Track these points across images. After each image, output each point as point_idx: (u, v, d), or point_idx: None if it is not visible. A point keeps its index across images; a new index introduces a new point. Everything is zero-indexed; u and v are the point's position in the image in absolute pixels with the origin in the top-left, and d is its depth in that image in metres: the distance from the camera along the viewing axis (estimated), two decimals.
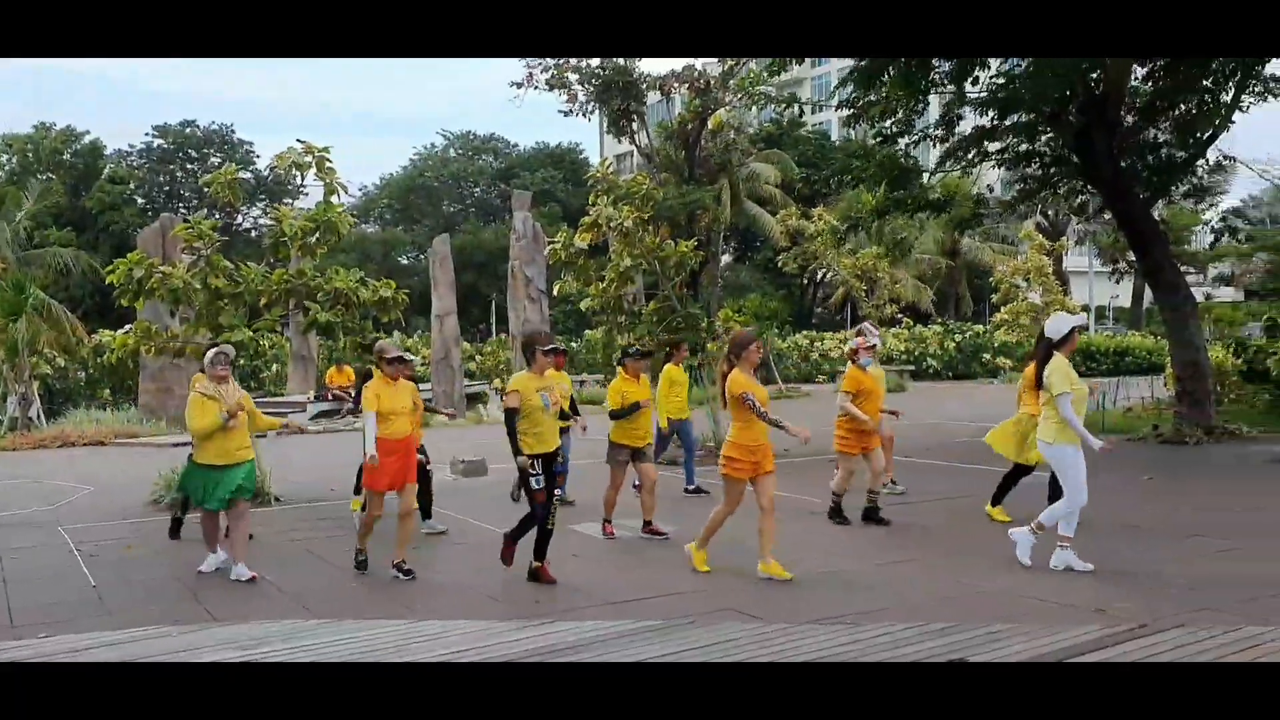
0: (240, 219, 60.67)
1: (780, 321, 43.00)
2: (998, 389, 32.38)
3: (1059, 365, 7.74)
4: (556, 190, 62.94)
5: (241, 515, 8.21)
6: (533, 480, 7.58)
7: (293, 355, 26.73)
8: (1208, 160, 19.14)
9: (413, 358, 10.05)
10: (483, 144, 73.07)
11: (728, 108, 36.95)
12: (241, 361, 12.60)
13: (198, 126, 65.53)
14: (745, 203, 41.60)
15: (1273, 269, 42.24)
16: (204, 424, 7.97)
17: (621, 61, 37.62)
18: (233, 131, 66.12)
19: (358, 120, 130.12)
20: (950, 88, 16.81)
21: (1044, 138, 18.45)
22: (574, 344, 38.03)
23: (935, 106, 19.26)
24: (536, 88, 37.39)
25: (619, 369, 10.32)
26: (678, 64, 24.47)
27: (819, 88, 72.22)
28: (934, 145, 18.74)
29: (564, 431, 9.41)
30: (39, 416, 22.20)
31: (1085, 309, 46.15)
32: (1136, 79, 17.50)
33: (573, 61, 37.20)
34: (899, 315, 39.47)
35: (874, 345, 10.21)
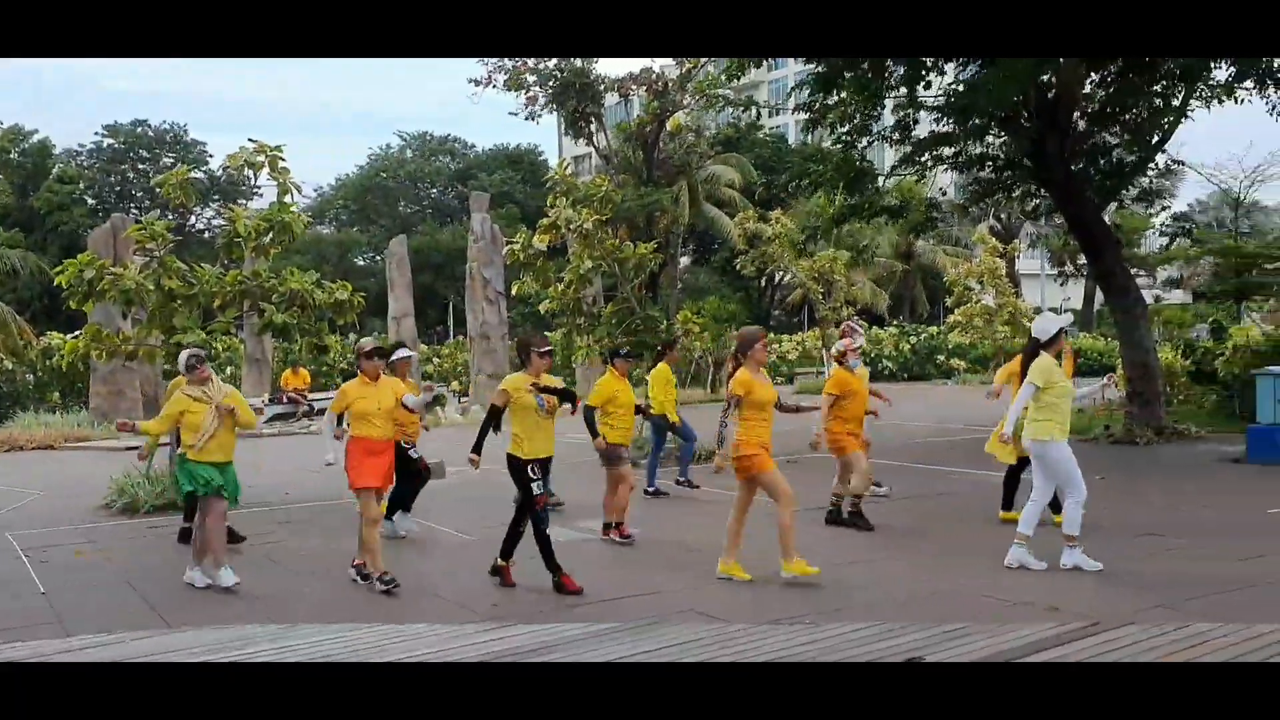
0: (193, 220, 59.97)
1: (739, 324, 43.14)
2: (952, 390, 32.77)
3: (1042, 363, 7.84)
4: (515, 192, 62.75)
5: (220, 510, 7.96)
6: (534, 485, 7.40)
7: (247, 358, 26.42)
8: (1156, 164, 19.50)
9: (410, 353, 9.84)
10: (439, 145, 72.69)
11: (686, 110, 37.13)
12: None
13: (149, 126, 64.64)
14: (704, 205, 41.73)
15: (1219, 272, 43.03)
16: (158, 426, 7.90)
17: (579, 63, 37.72)
18: (185, 131, 65.33)
19: (358, 120, 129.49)
20: (903, 92, 16.96)
21: (997, 141, 18.69)
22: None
23: (891, 110, 19.42)
24: (494, 87, 37.52)
25: (609, 368, 10.20)
26: (635, 66, 24.31)
27: (776, 91, 72.57)
28: (889, 147, 18.91)
29: None
30: None
31: (1037, 311, 46.74)
32: (1090, 83, 17.79)
33: (530, 62, 37.25)
34: (855, 317, 39.78)
35: (859, 346, 10.14)
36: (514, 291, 17.41)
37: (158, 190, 12.69)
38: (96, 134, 64.92)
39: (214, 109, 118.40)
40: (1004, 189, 19.96)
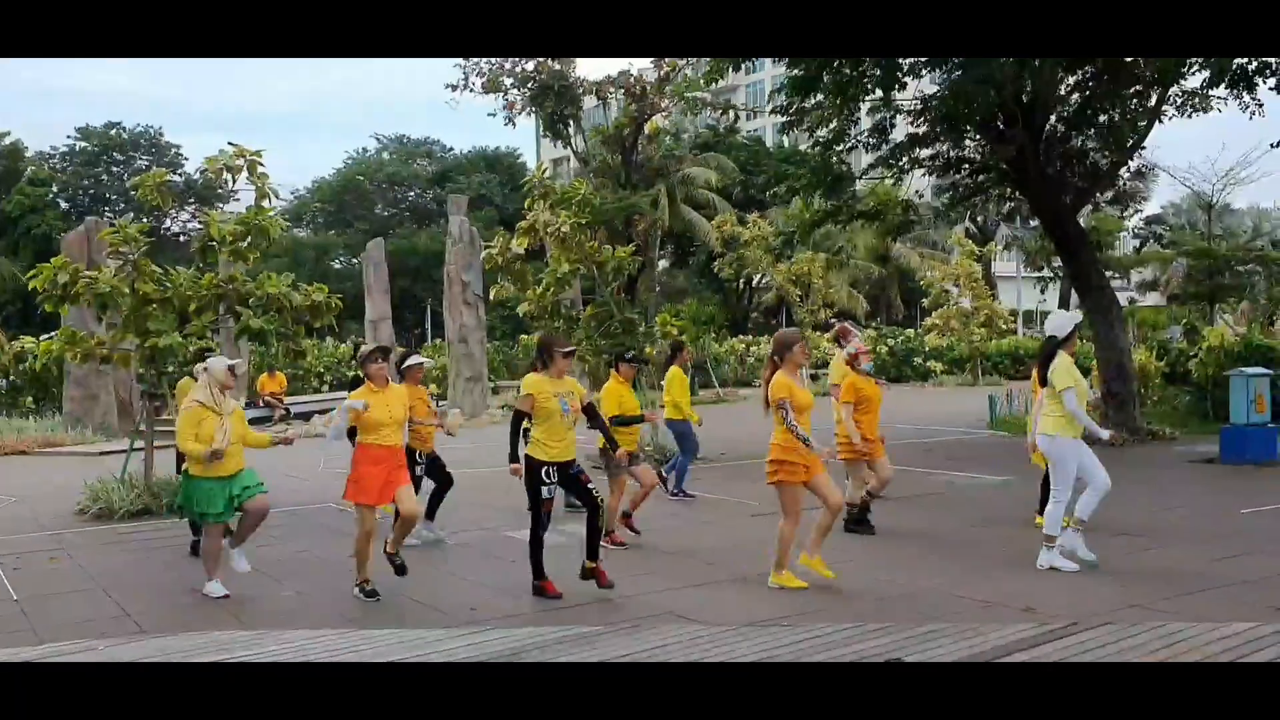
0: (169, 223, 59.56)
1: (717, 326, 43.21)
2: (930, 392, 32.90)
3: (1064, 362, 7.89)
4: (493, 195, 62.62)
5: (260, 507, 7.71)
6: (544, 490, 7.19)
7: None
8: (1130, 168, 19.68)
9: (422, 360, 9.52)
10: (417, 147, 72.47)
11: (664, 113, 37.15)
12: (170, 369, 12.36)
13: (123, 129, 64.14)
14: (682, 207, 41.77)
15: (1192, 274, 43.44)
16: (195, 448, 7.42)
17: (557, 65, 37.67)
18: (160, 134, 64.88)
19: (335, 122, 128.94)
20: (880, 95, 17.04)
21: (973, 145, 18.81)
22: (510, 349, 37.93)
23: (868, 114, 19.52)
24: (471, 90, 37.42)
25: (613, 373, 10.10)
26: (613, 68, 24.39)
27: (753, 94, 72.76)
28: (866, 151, 19.00)
29: None
30: None
31: (1013, 313, 47.10)
32: (1065, 87, 17.93)
33: (507, 65, 37.17)
34: (832, 320, 39.92)
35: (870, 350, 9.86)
36: (492, 295, 17.37)
37: (133, 193, 12.60)
38: (70, 136, 64.42)
39: (187, 110, 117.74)
40: (981, 192, 20.09)
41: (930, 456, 14.88)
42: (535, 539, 7.34)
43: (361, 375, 7.69)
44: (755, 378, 38.48)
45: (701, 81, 19.70)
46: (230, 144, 11.78)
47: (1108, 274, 22.74)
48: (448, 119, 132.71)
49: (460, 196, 30.61)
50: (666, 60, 36.80)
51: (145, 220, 13.55)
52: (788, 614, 6.68)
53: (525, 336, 35.93)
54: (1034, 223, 27.53)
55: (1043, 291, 56.47)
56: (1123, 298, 34.94)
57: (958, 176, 19.77)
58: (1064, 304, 53.13)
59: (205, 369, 7.78)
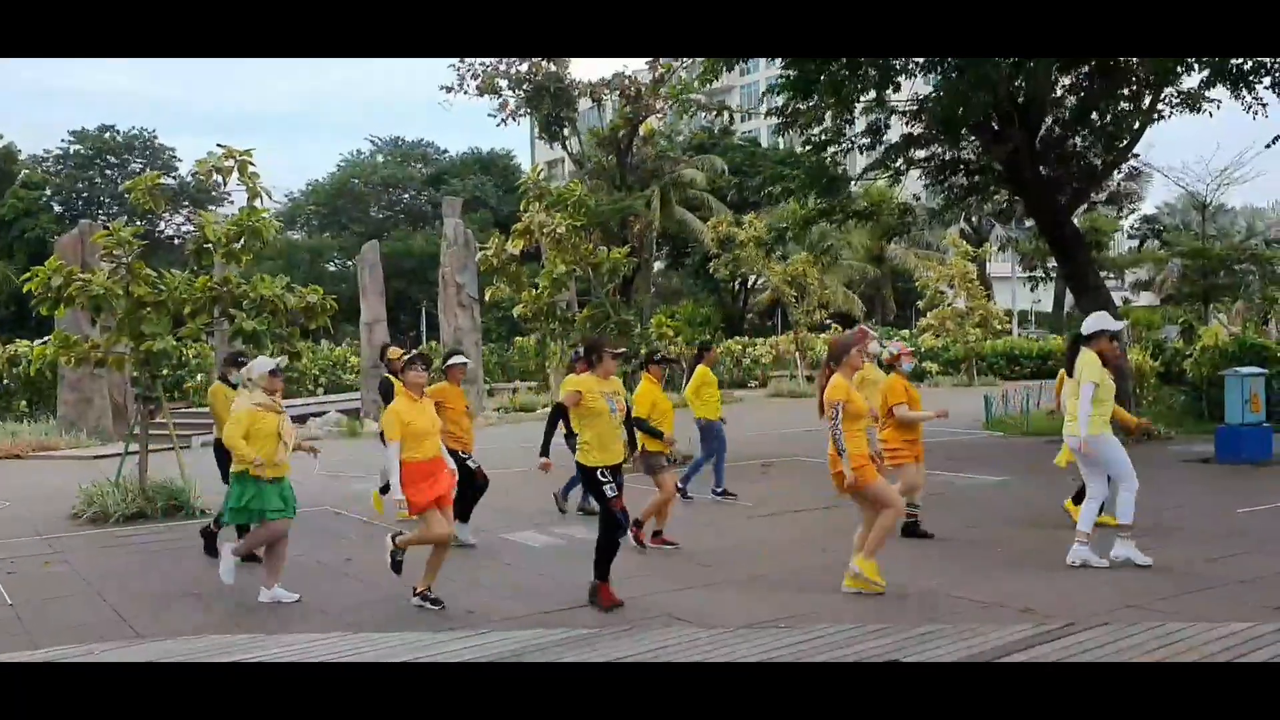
0: (162, 226, 59.42)
1: (713, 328, 43.22)
2: (926, 392, 32.90)
3: (1089, 358, 7.95)
4: (488, 197, 62.54)
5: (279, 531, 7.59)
6: (607, 489, 7.00)
7: (218, 365, 26.20)
8: (1122, 169, 19.72)
9: (466, 360, 9.45)
10: (412, 149, 72.38)
11: (659, 115, 37.11)
12: (165, 371, 12.33)
13: (117, 131, 63.96)
14: (676, 209, 41.77)
15: (1187, 274, 43.48)
16: (246, 449, 7.32)
17: (552, 67, 37.65)
18: (154, 136, 64.67)
19: (330, 124, 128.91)
20: (874, 95, 17.06)
21: (969, 146, 18.83)
22: (506, 351, 37.88)
23: (861, 112, 19.55)
24: (466, 93, 37.39)
25: (644, 374, 9.99)
26: (608, 70, 24.38)
27: (748, 95, 72.78)
28: (861, 153, 19.01)
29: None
30: None
31: (1008, 314, 47.18)
32: (1061, 88, 17.96)
33: (502, 66, 37.15)
34: (828, 321, 39.93)
35: (911, 350, 9.76)
36: (487, 297, 17.37)
37: (126, 196, 12.56)
38: (64, 139, 64.22)
39: (183, 112, 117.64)
40: (976, 193, 20.12)
41: (928, 457, 14.85)
42: (609, 542, 7.07)
43: (388, 377, 7.54)
44: (751, 378, 38.55)
45: (696, 82, 19.68)
46: (219, 145, 11.76)
47: (1102, 274, 22.77)
48: (448, 119, 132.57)
49: (455, 199, 30.58)
50: (661, 61, 36.80)
51: (139, 223, 13.50)
52: (787, 615, 6.66)
53: (520, 339, 35.91)
54: (1029, 223, 27.59)
55: (1033, 289, 56.54)
56: (1117, 297, 35.02)
57: (953, 178, 19.79)
58: (1059, 304, 53.25)
59: (249, 378, 7.72)
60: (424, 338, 48.13)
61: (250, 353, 11.06)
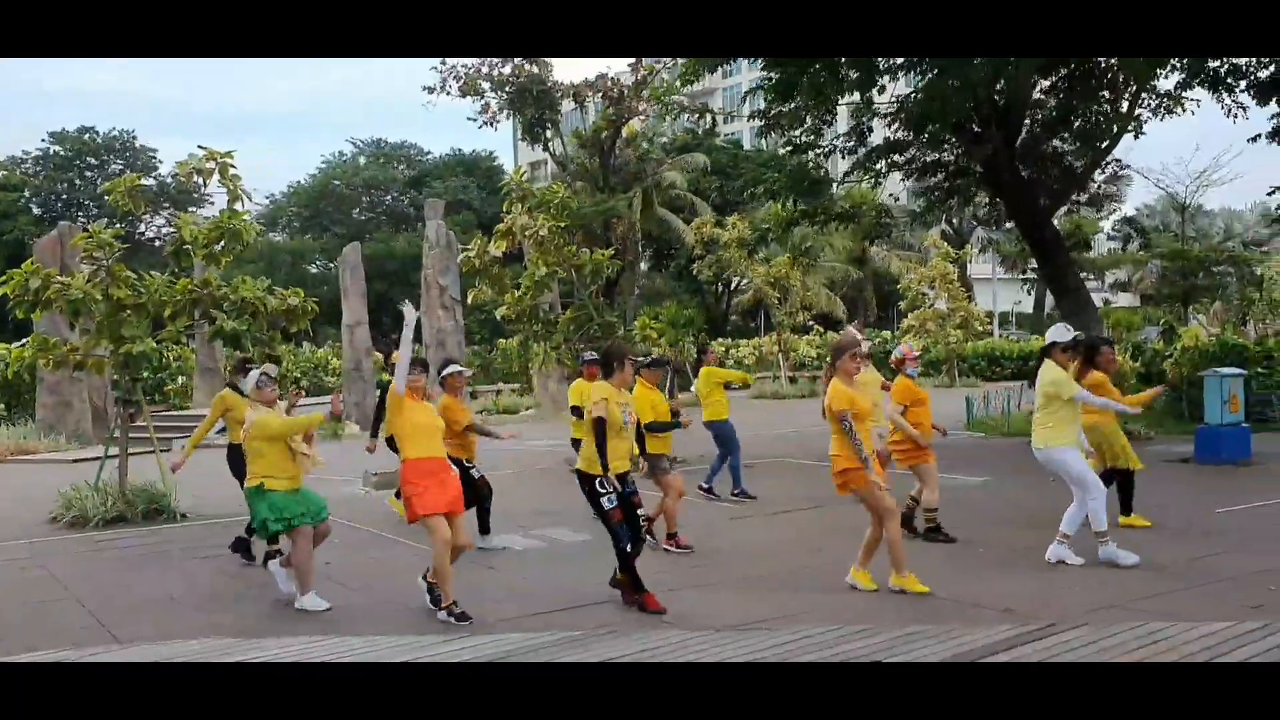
0: (143, 228, 59.07)
1: (697, 329, 43.25)
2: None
3: (1049, 372, 8.00)
4: (470, 198, 62.43)
5: (307, 538, 7.49)
6: (604, 500, 6.90)
7: (199, 367, 26.07)
8: (1104, 170, 19.86)
9: (462, 369, 9.36)
10: (394, 151, 72.19)
11: (642, 116, 37.11)
12: (145, 374, 12.25)
13: (96, 133, 63.55)
14: (659, 210, 41.78)
15: (1166, 275, 43.83)
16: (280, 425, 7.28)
17: (535, 69, 37.59)
18: (134, 138, 64.30)
19: (311, 125, 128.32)
20: (858, 97, 17.11)
21: (949, 147, 18.91)
22: (489, 353, 37.79)
23: (845, 118, 19.61)
24: (449, 94, 37.30)
25: (638, 379, 9.95)
26: (591, 72, 24.42)
27: (730, 98, 72.90)
28: (843, 157, 19.07)
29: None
30: None
31: (989, 315, 47.37)
32: (1041, 91, 18.06)
33: (485, 69, 37.09)
34: (811, 323, 40.03)
35: (918, 355, 9.80)
36: (470, 298, 17.32)
37: (106, 198, 12.47)
38: (43, 140, 63.78)
39: (183, 112, 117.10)
40: (958, 195, 20.22)
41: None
42: (619, 553, 7.00)
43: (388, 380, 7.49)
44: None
45: (678, 84, 19.70)
46: (201, 147, 11.70)
47: (1082, 275, 22.91)
48: (448, 119, 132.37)
49: (437, 200, 30.51)
50: (644, 63, 36.81)
51: (119, 225, 13.41)
52: (773, 617, 6.67)
53: (504, 341, 35.83)
54: (1010, 225, 27.73)
55: (1030, 291, 56.76)
56: (1098, 298, 35.25)
57: (934, 180, 19.88)
58: (1039, 306, 53.54)
59: (247, 393, 7.76)
60: None
61: (258, 356, 11.05)
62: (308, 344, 34.55)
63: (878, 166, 18.86)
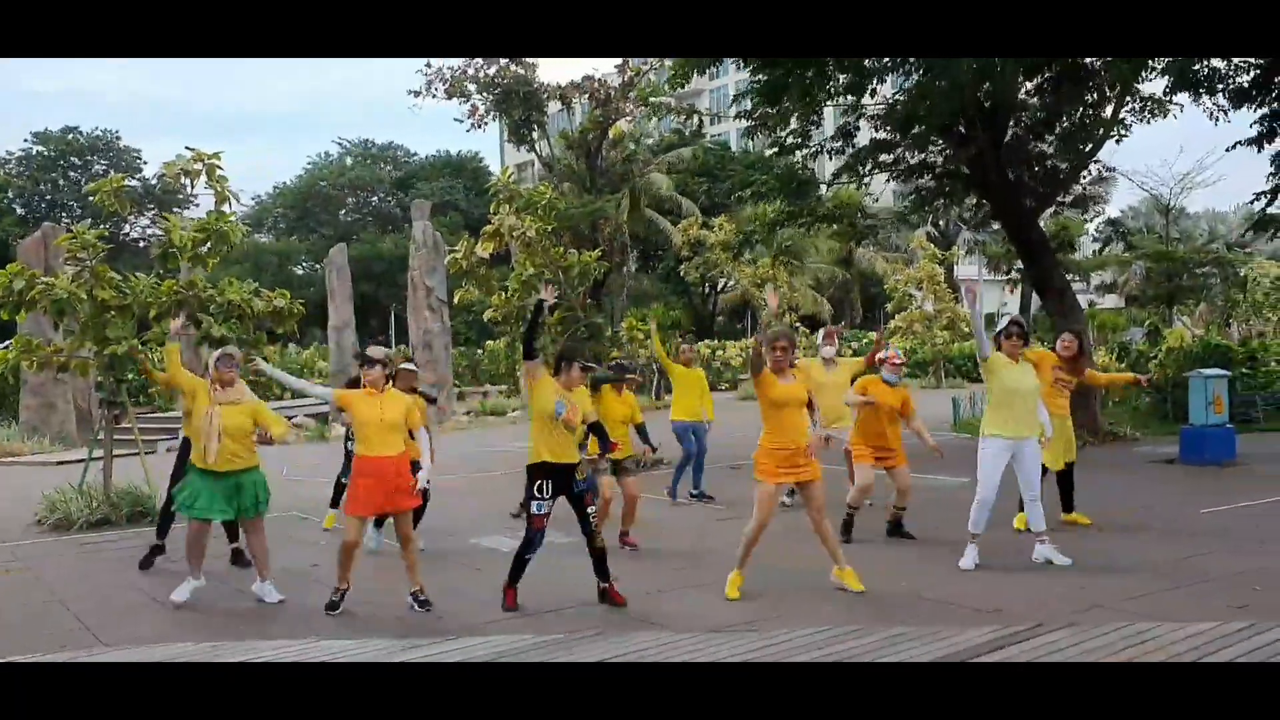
0: (127, 229, 58.79)
1: (684, 330, 43.25)
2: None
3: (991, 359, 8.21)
4: (457, 199, 62.35)
5: (256, 530, 7.63)
6: (534, 505, 7.02)
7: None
8: (1090, 171, 19.94)
9: (415, 368, 9.42)
10: (381, 152, 72.03)
11: (628, 118, 37.14)
12: (130, 376, 12.18)
13: (80, 133, 63.22)
14: (646, 211, 41.79)
15: (1151, 277, 43.98)
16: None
17: (521, 70, 37.56)
18: (118, 138, 63.99)
19: (297, 125, 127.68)
20: (847, 99, 17.14)
21: (935, 150, 18.95)
22: (476, 354, 37.73)
23: (832, 120, 19.63)
24: (434, 96, 37.27)
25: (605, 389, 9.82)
26: (578, 73, 24.44)
27: (716, 99, 72.96)
28: (830, 158, 19.10)
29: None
30: None
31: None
32: (1026, 92, 18.12)
33: (470, 70, 37.06)
34: (796, 324, 40.11)
35: (901, 361, 9.81)
36: (457, 300, 17.29)
37: (90, 198, 12.40)
38: (26, 141, 63.42)
39: (183, 113, 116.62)
40: (943, 196, 20.27)
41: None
42: (518, 555, 7.10)
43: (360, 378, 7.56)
44: (722, 381, 38.54)
45: (667, 86, 19.72)
46: (188, 148, 11.64)
47: (1068, 276, 23.01)
48: (441, 120, 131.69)
49: (424, 201, 30.45)
50: (630, 64, 36.83)
51: (103, 226, 13.29)
52: (763, 618, 6.67)
53: (491, 342, 35.78)
54: (996, 226, 27.84)
55: (1012, 291, 56.91)
56: (1082, 300, 35.36)
57: (920, 181, 19.93)
58: (1025, 307, 53.71)
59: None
60: (393, 341, 47.86)
61: (243, 359, 10.99)
62: (294, 346, 34.41)
63: (864, 167, 18.90)
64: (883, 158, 18.84)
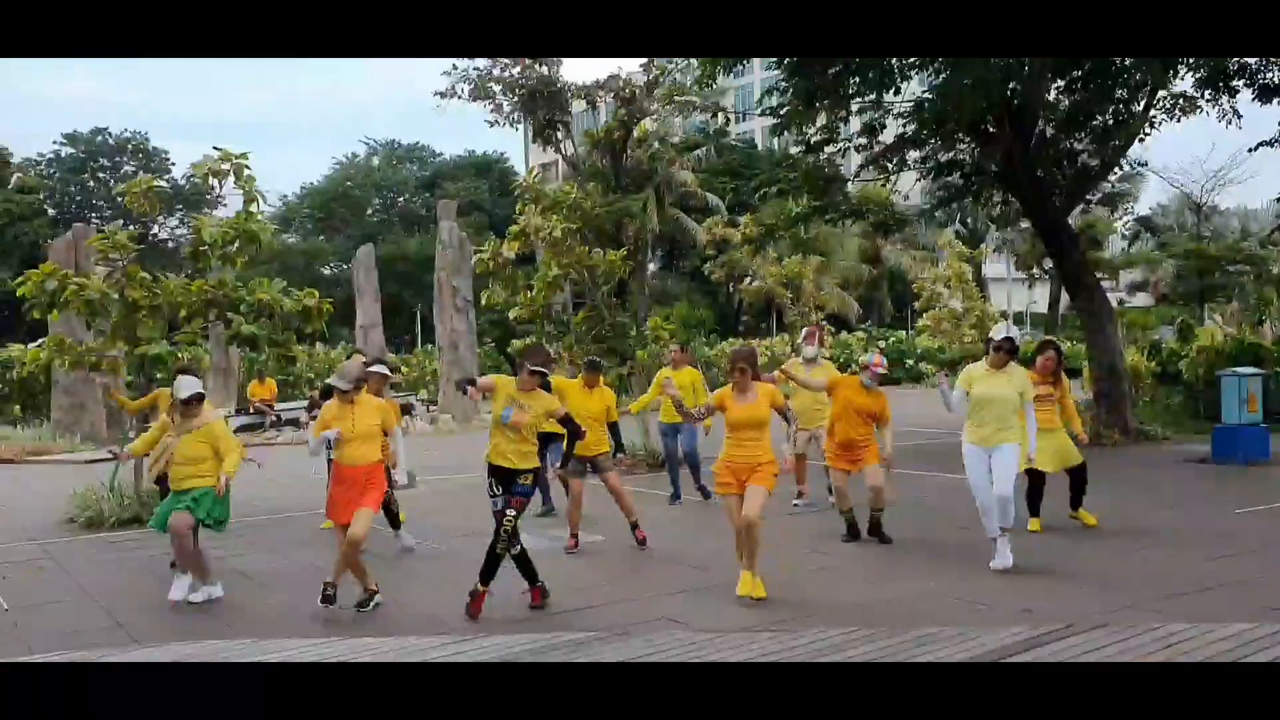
0: (157, 229, 59.33)
1: (708, 330, 43.19)
2: (922, 394, 32.89)
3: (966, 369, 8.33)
4: (483, 200, 62.53)
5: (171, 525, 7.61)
6: (493, 501, 7.12)
7: (213, 368, 26.14)
8: (1120, 168, 19.76)
9: (386, 370, 9.44)
10: (407, 152, 72.34)
11: (653, 117, 37.10)
12: (159, 375, 12.27)
13: (109, 134, 63.88)
14: (671, 210, 41.76)
15: (1182, 275, 43.59)
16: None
17: (546, 71, 37.63)
18: (147, 139, 64.62)
19: (323, 126, 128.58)
20: (871, 97, 17.06)
21: (964, 148, 18.83)
22: (502, 354, 37.82)
23: (858, 117, 19.54)
24: (459, 98, 37.38)
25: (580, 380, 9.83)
26: (603, 73, 24.47)
27: (742, 98, 72.78)
28: (858, 151, 19.02)
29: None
30: None
31: (1004, 315, 47.21)
32: (1055, 90, 17.98)
33: (495, 71, 37.14)
34: (823, 322, 39.97)
35: (882, 368, 9.66)
36: (483, 300, 17.32)
37: (120, 199, 12.51)
38: (56, 142, 64.15)
39: (182, 115, 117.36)
40: (972, 195, 20.14)
41: (920, 458, 14.86)
42: (489, 550, 7.09)
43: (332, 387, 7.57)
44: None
45: (695, 86, 19.68)
46: (216, 148, 11.71)
47: (1097, 275, 22.81)
48: (450, 120, 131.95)
49: (450, 202, 30.54)
50: (655, 63, 36.80)
51: (133, 227, 13.40)
52: (781, 619, 6.64)
53: (516, 342, 35.86)
54: (1024, 224, 27.64)
55: (1030, 287, 56.51)
56: (1112, 298, 35.06)
57: (948, 179, 19.81)
58: (1054, 305, 53.31)
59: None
60: (419, 341, 48.07)
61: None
62: (322, 345, 34.60)
63: (891, 163, 18.81)
64: (913, 153, 18.75)
